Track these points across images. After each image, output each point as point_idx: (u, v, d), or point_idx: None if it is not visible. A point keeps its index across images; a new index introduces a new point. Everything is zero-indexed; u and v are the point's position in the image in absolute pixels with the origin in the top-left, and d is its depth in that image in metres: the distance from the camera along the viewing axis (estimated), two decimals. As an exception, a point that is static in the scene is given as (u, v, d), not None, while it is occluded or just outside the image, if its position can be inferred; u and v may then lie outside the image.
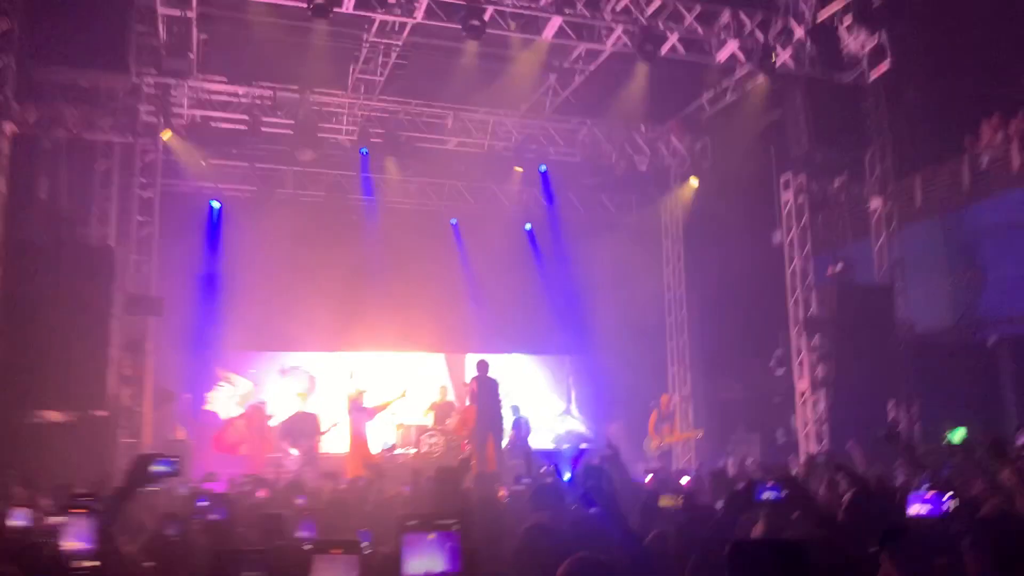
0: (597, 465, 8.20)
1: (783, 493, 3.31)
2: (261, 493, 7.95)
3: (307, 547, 1.64)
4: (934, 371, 13.32)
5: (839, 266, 13.90)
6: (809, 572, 1.53)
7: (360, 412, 13.39)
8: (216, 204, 15.27)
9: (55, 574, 3.67)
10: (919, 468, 6.32)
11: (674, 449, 15.80)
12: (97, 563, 2.50)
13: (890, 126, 14.41)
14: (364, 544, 4.60)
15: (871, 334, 13.24)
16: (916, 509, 3.61)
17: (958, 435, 12.60)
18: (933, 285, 14.11)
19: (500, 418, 12.92)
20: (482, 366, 13.02)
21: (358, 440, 13.29)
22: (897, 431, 9.51)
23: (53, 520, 5.57)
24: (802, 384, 13.73)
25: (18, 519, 5.18)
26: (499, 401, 12.92)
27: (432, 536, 1.66)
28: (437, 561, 1.65)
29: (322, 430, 13.61)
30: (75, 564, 2.55)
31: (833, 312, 13.44)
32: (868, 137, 14.15)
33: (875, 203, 14.44)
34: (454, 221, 16.96)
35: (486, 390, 12.81)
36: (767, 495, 3.35)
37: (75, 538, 2.62)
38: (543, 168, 15.70)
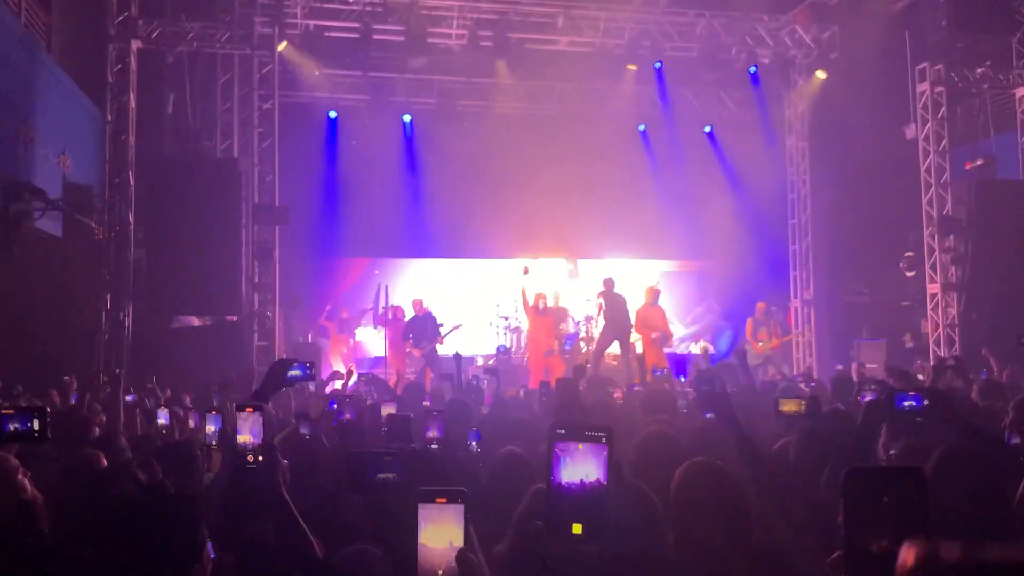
0: (711, 370, 8.15)
1: (924, 402, 3.17)
2: (388, 405, 8.21)
3: (415, 492, 1.72)
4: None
5: (979, 161, 13.00)
6: (928, 498, 1.45)
7: (538, 313, 13.66)
8: (333, 114, 15.53)
9: (195, 467, 3.97)
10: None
11: (788, 353, 15.50)
12: (262, 457, 2.72)
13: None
14: (473, 444, 4.75)
15: (1011, 233, 12.44)
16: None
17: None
18: (1085, 180, 13.05)
19: (628, 328, 13.05)
20: (608, 283, 13.26)
21: (535, 342, 13.69)
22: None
23: (194, 418, 6.00)
24: (934, 286, 13.13)
25: (162, 418, 5.59)
26: (627, 315, 13.06)
27: (582, 447, 1.72)
28: (587, 470, 1.71)
29: (443, 333, 13.93)
30: (249, 457, 2.81)
31: (970, 211, 12.67)
32: (1016, 19, 12.98)
33: (1022, 92, 13.36)
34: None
35: (614, 305, 13.04)
36: (907, 404, 3.22)
37: (247, 433, 2.88)
38: (658, 65, 15.13)
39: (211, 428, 4.46)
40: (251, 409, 2.88)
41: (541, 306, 13.64)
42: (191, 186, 11.71)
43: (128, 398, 6.26)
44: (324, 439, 4.89)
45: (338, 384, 9.81)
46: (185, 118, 12.67)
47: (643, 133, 17.09)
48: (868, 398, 6.04)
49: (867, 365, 13.15)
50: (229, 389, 7.84)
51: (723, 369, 8.86)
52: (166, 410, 5.60)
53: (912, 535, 1.33)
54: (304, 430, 4.79)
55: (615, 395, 8.16)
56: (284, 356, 11.98)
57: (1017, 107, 13.40)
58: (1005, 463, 3.10)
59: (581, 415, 4.91)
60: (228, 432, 3.86)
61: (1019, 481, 3.06)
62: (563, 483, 1.66)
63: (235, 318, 12.13)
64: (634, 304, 13.28)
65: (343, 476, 3.07)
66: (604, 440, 1.67)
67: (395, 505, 2.53)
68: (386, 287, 15.29)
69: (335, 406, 5.62)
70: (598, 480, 1.65)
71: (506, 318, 15.72)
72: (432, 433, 4.03)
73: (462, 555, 1.69)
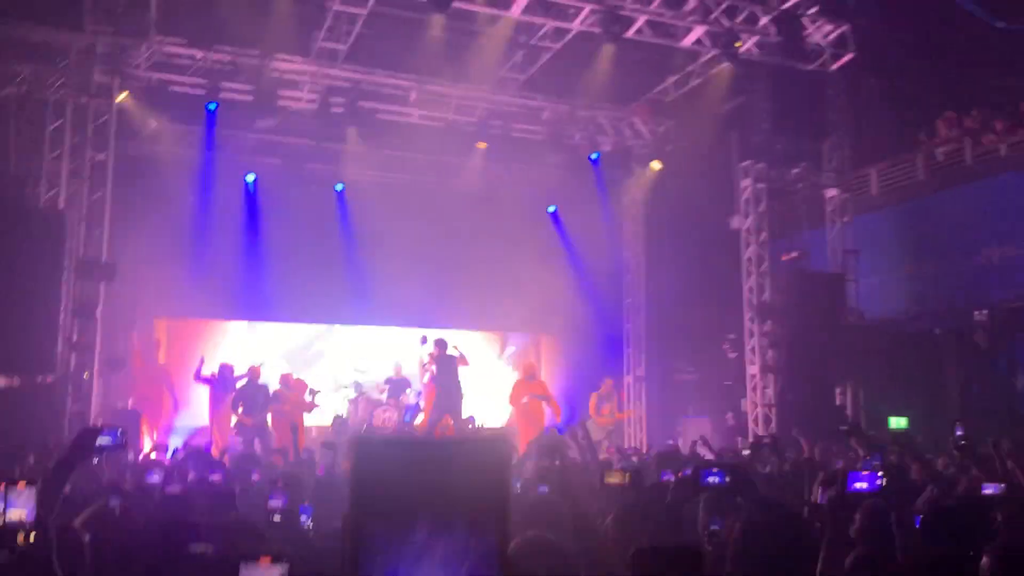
0: (549, 446, 8.28)
1: (727, 478, 3.40)
2: (215, 477, 7.82)
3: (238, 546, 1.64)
4: (881, 359, 13.63)
5: (794, 253, 14.12)
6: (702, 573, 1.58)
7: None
8: (173, 169, 14.97)
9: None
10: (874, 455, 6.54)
11: (622, 428, 15.99)
12: (34, 537, 2.48)
13: (850, 117, 14.62)
14: (304, 518, 4.59)
15: (821, 321, 13.49)
16: (857, 485, 3.81)
17: (900, 423, 13.01)
18: (885, 274, 14.40)
19: (459, 396, 12.96)
20: (440, 344, 13.08)
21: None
22: (858, 425, 9.76)
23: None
24: (753, 368, 13.97)
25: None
26: (458, 379, 12.95)
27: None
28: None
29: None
30: (18, 537, 2.54)
31: (785, 298, 13.67)
32: (828, 127, 14.35)
33: (831, 192, 14.67)
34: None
35: (444, 368, 12.83)
36: (712, 479, 3.44)
37: (20, 508, 2.62)
38: (483, 145, 15.45)
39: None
40: (23, 484, 2.66)
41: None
42: (8, 235, 10.91)
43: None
44: (136, 513, 4.58)
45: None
46: (7, 164, 11.88)
47: (489, 208, 17.46)
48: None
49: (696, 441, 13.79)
50: (45, 455, 7.29)
51: (561, 442, 9.01)
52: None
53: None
54: (114, 502, 4.47)
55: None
56: (100, 421, 11.23)
57: (827, 206, 14.67)
58: (800, 535, 3.33)
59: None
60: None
61: (815, 550, 3.28)
62: None
63: (49, 379, 11.27)
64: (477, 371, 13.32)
65: (157, 550, 2.89)
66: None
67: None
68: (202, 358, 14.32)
69: (154, 478, 5.30)
70: None
71: (359, 384, 15.44)
72: (276, 502, 3.88)
73: None
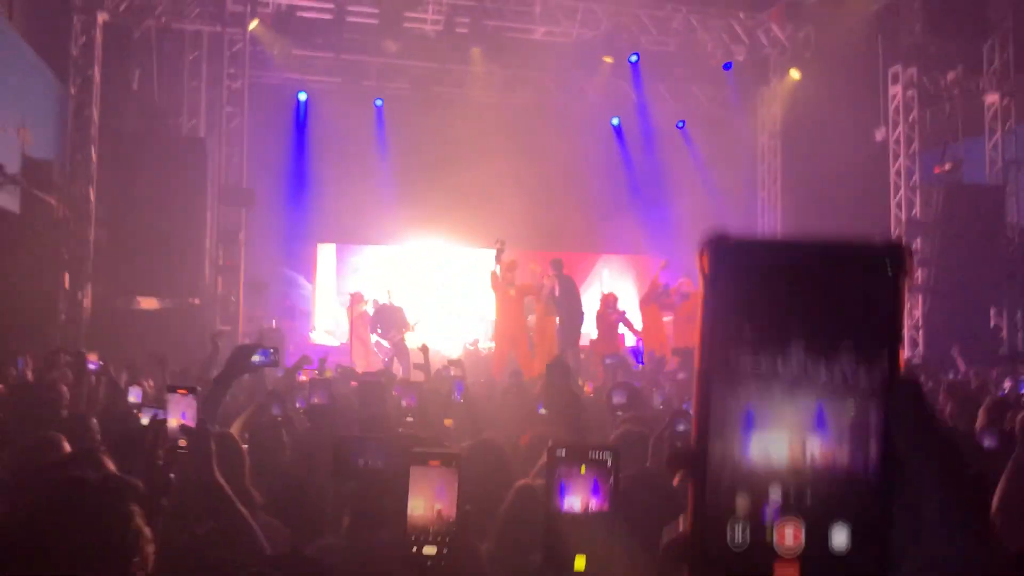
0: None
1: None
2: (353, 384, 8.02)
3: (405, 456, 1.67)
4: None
5: (948, 165, 13.14)
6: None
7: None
8: (303, 96, 15.25)
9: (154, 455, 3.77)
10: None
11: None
12: (192, 441, 2.55)
13: (1014, 14, 13.32)
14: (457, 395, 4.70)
15: (978, 237, 12.59)
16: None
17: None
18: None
19: (581, 315, 12.49)
20: (557, 264, 12.48)
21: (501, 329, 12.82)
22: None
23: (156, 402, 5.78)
24: (900, 288, 13.25)
25: (134, 395, 5.29)
26: (580, 303, 12.51)
27: (584, 470, 1.58)
28: (589, 496, 1.57)
29: (410, 323, 13.65)
30: (181, 441, 2.63)
31: (938, 214, 12.79)
32: (988, 27, 13.14)
33: (991, 98, 13.54)
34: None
35: (565, 288, 12.31)
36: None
37: (179, 416, 2.71)
38: (634, 58, 15.06)
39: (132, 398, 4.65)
40: (184, 391, 2.73)
41: (512, 293, 12.85)
42: (155, 164, 11.41)
43: (92, 365, 6.09)
44: (296, 424, 4.76)
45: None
46: (151, 95, 12.35)
47: (616, 127, 17.04)
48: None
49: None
50: (190, 368, 7.68)
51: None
52: (139, 388, 5.36)
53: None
54: (276, 411, 4.66)
55: (586, 390, 8.09)
56: (247, 341, 11.74)
57: (986, 113, 13.54)
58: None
59: (574, 404, 4.81)
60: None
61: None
62: (564, 511, 1.54)
63: (197, 301, 11.87)
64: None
65: (321, 462, 2.94)
66: (609, 463, 1.55)
67: (376, 492, 2.42)
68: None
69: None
70: (601, 507, 1.54)
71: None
72: (406, 403, 4.07)
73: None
